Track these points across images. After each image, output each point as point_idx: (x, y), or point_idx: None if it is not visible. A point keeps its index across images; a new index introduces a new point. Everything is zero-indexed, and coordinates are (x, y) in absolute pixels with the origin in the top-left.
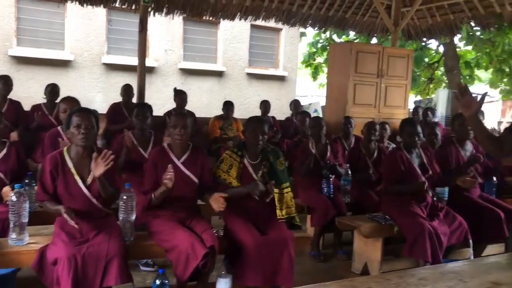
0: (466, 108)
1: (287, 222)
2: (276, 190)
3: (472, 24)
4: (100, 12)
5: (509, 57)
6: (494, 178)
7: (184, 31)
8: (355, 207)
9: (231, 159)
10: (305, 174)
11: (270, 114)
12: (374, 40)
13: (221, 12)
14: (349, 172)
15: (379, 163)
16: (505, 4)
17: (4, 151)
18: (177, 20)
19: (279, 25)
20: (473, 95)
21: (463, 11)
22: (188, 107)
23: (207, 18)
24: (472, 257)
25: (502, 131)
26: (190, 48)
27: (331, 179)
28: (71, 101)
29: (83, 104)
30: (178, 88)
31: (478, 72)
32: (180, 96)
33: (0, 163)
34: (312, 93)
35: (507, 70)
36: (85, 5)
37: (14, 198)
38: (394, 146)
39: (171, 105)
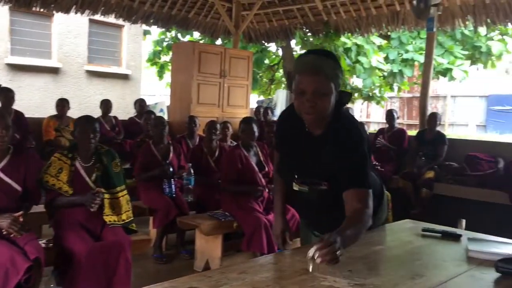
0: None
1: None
2: (107, 196)
3: (305, 29)
4: None
5: None
6: None
7: (11, 23)
8: (199, 206)
9: (60, 162)
10: (147, 180)
11: (113, 114)
12: (219, 41)
13: (53, 4)
14: (192, 171)
15: (221, 161)
16: (331, 13)
17: None
18: (2, 10)
19: (121, 22)
20: None
21: (296, 18)
22: (18, 106)
23: (38, 10)
24: None
25: None
26: (19, 41)
27: (173, 179)
28: None
29: None
30: (4, 85)
31: None
32: (4, 94)
33: None
34: (160, 92)
35: None
36: None
37: None
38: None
39: None
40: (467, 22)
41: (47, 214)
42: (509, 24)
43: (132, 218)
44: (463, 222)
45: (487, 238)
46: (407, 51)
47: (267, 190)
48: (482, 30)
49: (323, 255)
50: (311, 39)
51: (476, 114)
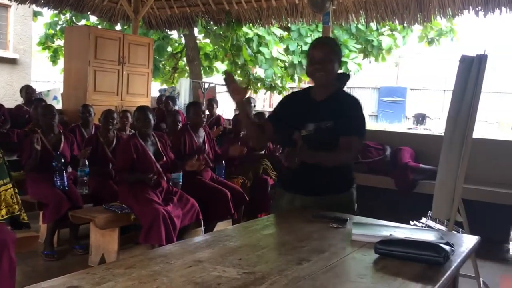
0: (235, 95)
1: (12, 223)
2: None
3: (207, 18)
4: None
5: (238, 51)
6: (223, 162)
7: None
8: (95, 199)
9: None
10: (31, 169)
11: None
12: (118, 27)
13: None
14: (86, 162)
15: None
16: (233, 3)
17: None
18: None
19: (6, 1)
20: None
21: (198, 6)
22: None
23: None
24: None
25: None
26: None
27: (65, 171)
28: None
29: None
30: None
31: (217, 64)
32: None
33: None
34: (55, 79)
35: (239, 62)
36: None
37: None
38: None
39: None
40: (360, 18)
41: None
42: (396, 20)
43: (18, 213)
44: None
45: (370, 222)
46: (306, 43)
47: (165, 179)
48: (374, 25)
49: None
50: (214, 27)
51: (369, 104)
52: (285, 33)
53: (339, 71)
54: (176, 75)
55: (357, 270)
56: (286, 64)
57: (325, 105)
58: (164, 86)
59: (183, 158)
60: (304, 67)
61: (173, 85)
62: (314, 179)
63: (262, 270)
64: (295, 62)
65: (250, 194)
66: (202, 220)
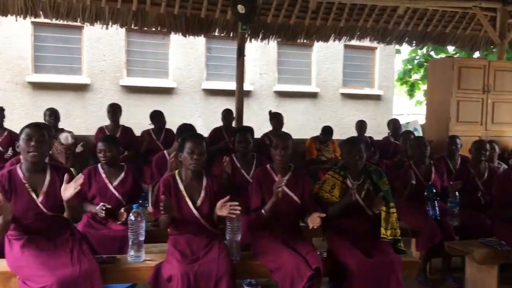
0: None
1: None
2: (383, 208)
3: None
4: (200, 41)
5: None
6: None
7: (278, 55)
8: (463, 231)
9: (334, 179)
10: (408, 198)
11: (366, 134)
12: (476, 54)
13: (315, 35)
14: (457, 194)
15: (491, 184)
16: None
17: (122, 175)
18: (272, 44)
19: (374, 44)
20: None
21: None
22: (283, 128)
23: (301, 41)
24: None
25: None
26: (284, 71)
27: (436, 201)
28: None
29: None
30: (273, 110)
31: None
32: (276, 118)
33: (118, 186)
34: (408, 111)
35: None
36: (187, 35)
37: (132, 218)
38: (506, 166)
39: (267, 127)
40: None
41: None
42: None
43: (398, 238)
44: None
45: None
46: None
47: None
48: None
49: None
50: None
51: None
52: None
53: None
54: None
55: None
56: None
57: None
58: None
59: None
60: None
61: None
62: None
63: None
64: None
65: None
66: None
